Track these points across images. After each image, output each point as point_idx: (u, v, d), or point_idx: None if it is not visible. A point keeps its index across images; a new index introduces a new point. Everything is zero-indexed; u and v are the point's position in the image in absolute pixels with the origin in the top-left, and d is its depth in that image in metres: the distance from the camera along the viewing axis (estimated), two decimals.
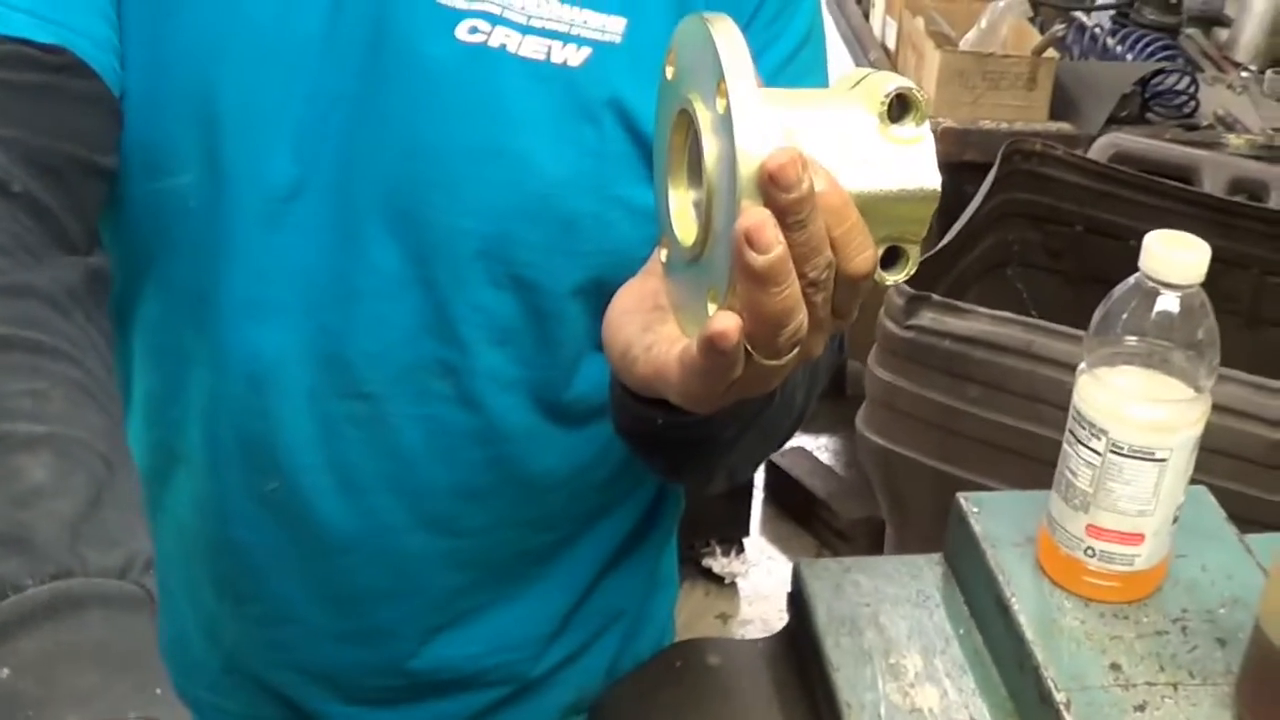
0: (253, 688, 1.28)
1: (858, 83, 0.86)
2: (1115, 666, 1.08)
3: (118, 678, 0.72)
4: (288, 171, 1.07)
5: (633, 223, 1.10)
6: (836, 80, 0.89)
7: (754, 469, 1.43)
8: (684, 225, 0.91)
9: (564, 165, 1.08)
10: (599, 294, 1.09)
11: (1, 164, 0.93)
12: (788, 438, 1.23)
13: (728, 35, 0.82)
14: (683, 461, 1.16)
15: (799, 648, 1.24)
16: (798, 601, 1.24)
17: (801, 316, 0.81)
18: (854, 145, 0.82)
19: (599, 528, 1.30)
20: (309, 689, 1.27)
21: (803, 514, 3.78)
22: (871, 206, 0.82)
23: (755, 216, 0.77)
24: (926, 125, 0.83)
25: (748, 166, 0.78)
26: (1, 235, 0.89)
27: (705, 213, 0.84)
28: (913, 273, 0.87)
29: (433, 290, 1.10)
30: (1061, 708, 1.04)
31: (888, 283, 0.87)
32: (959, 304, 2.04)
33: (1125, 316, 1.09)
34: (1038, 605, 1.13)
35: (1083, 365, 1.11)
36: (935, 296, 2.04)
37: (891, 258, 0.86)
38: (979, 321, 2.03)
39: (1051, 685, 1.06)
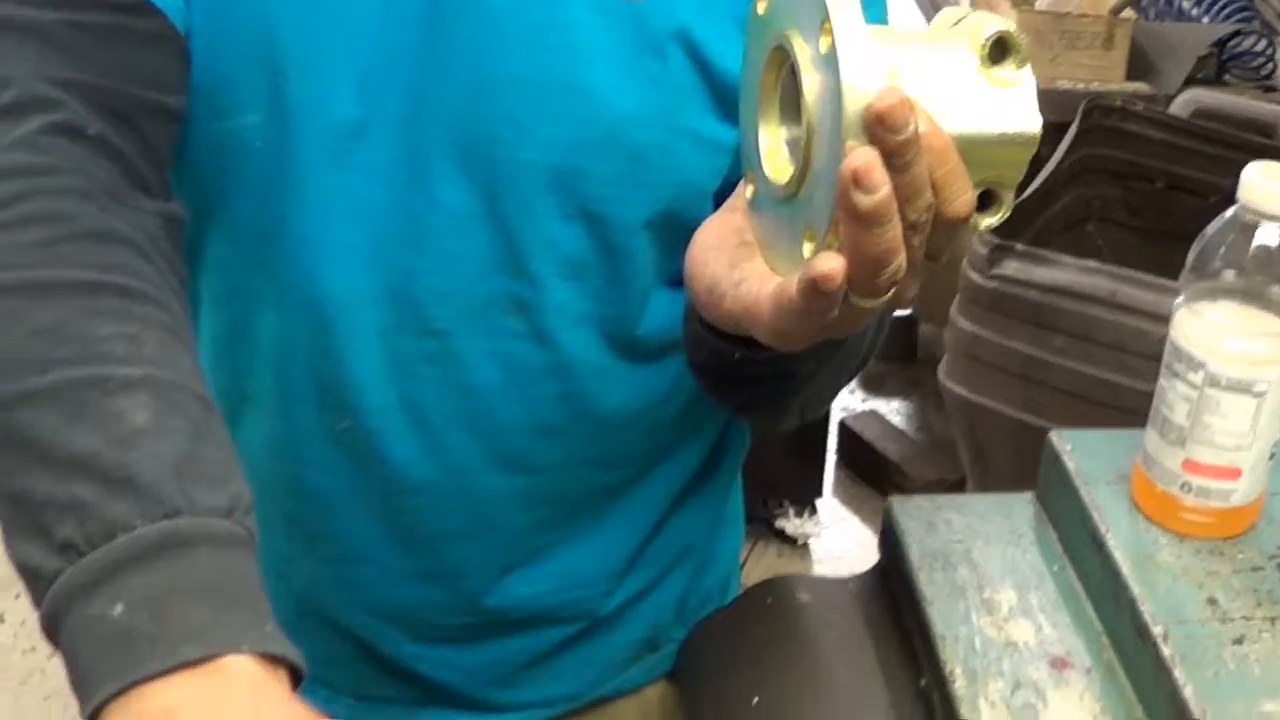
0: (325, 629, 1.29)
1: (957, 23, 0.85)
2: (1212, 601, 1.08)
3: (229, 613, 0.75)
4: (352, 110, 1.07)
5: (700, 154, 1.10)
6: (935, 20, 0.87)
7: (825, 406, 1.43)
8: (776, 163, 0.91)
9: (630, 98, 1.08)
10: (668, 227, 1.10)
11: (76, 108, 0.94)
12: (856, 374, 1.22)
13: None
14: (757, 397, 1.16)
15: (890, 585, 1.24)
16: (890, 538, 1.24)
17: (901, 258, 0.80)
18: (955, 86, 0.82)
19: (668, 464, 1.30)
20: (381, 629, 1.28)
21: (874, 476, 3.78)
22: (971, 149, 0.82)
23: (864, 157, 0.76)
24: (1028, 69, 0.82)
25: (854, 105, 0.77)
26: (80, 179, 0.90)
27: (804, 151, 0.83)
28: (1007, 216, 0.87)
29: (502, 225, 1.10)
30: (1159, 640, 1.04)
31: (982, 225, 0.87)
32: (1044, 253, 2.03)
33: (1222, 250, 1.08)
34: (1133, 541, 1.13)
35: (1179, 300, 1.11)
36: (1019, 246, 2.03)
37: (986, 201, 0.85)
38: (1064, 271, 2.02)
39: (1148, 619, 1.05)
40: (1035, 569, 1.20)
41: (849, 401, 4.12)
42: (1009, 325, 2.06)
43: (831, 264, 0.79)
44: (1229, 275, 1.08)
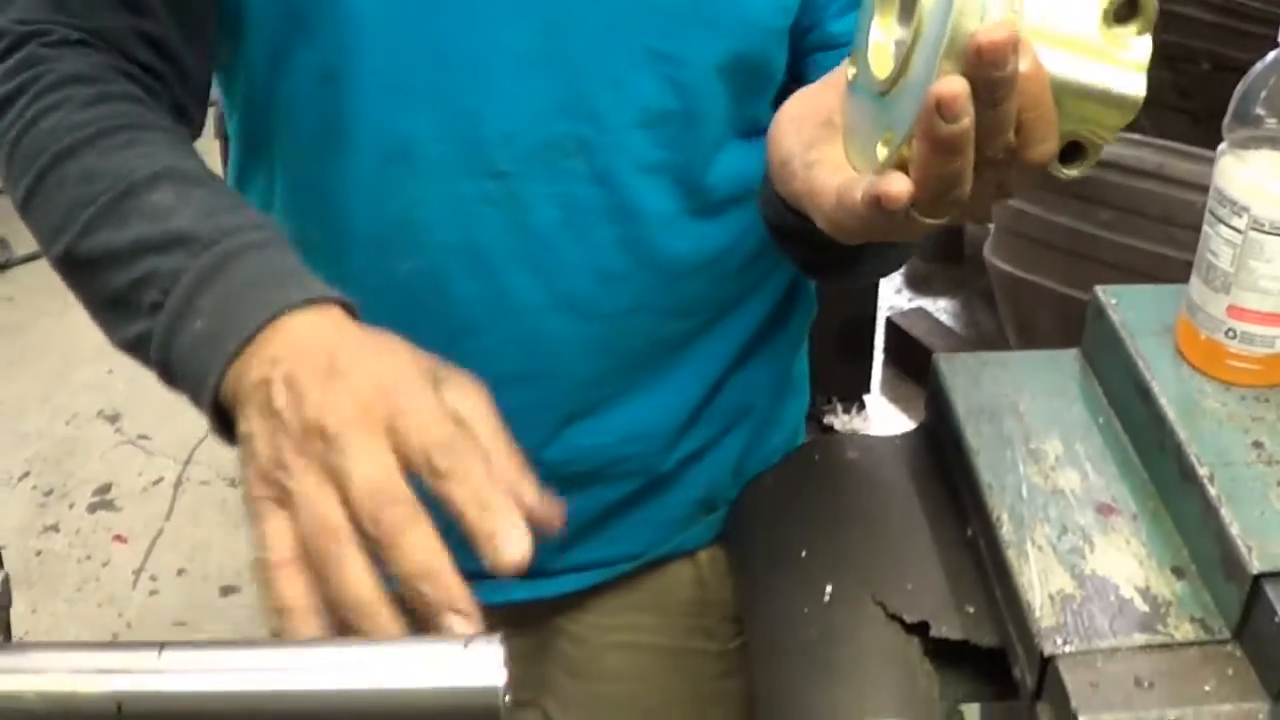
0: None
1: None
2: (1258, 445, 1.08)
3: (289, 285, 0.90)
4: None
5: None
6: None
7: (889, 273, 1.43)
8: (880, 58, 0.88)
9: None
10: (740, 71, 1.10)
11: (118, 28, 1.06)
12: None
13: None
14: (822, 262, 1.17)
15: (937, 440, 1.26)
16: (936, 394, 1.26)
17: (968, 185, 0.80)
18: (1072, 31, 0.80)
19: (732, 318, 1.31)
20: None
21: (922, 373, 3.77)
22: (1069, 99, 0.81)
23: (952, 86, 0.75)
24: (1148, 37, 0.80)
25: (963, 28, 0.75)
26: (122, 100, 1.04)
27: (905, 56, 0.82)
28: (1088, 171, 0.86)
29: (566, 66, 1.10)
30: (1205, 482, 1.04)
31: (1062, 175, 0.86)
32: None
33: (1264, 94, 1.08)
34: (1178, 389, 1.13)
35: (1223, 146, 1.11)
36: None
37: (1072, 152, 0.84)
38: (1110, 144, 2.00)
39: (1194, 461, 1.06)
40: (1081, 421, 1.21)
41: (896, 300, 4.12)
42: (1055, 200, 2.05)
43: (899, 186, 0.78)
44: (1271, 123, 1.08)
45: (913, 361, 3.80)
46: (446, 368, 0.91)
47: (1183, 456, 1.08)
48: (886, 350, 3.88)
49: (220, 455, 3.50)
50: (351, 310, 0.91)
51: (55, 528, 3.35)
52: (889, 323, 3.91)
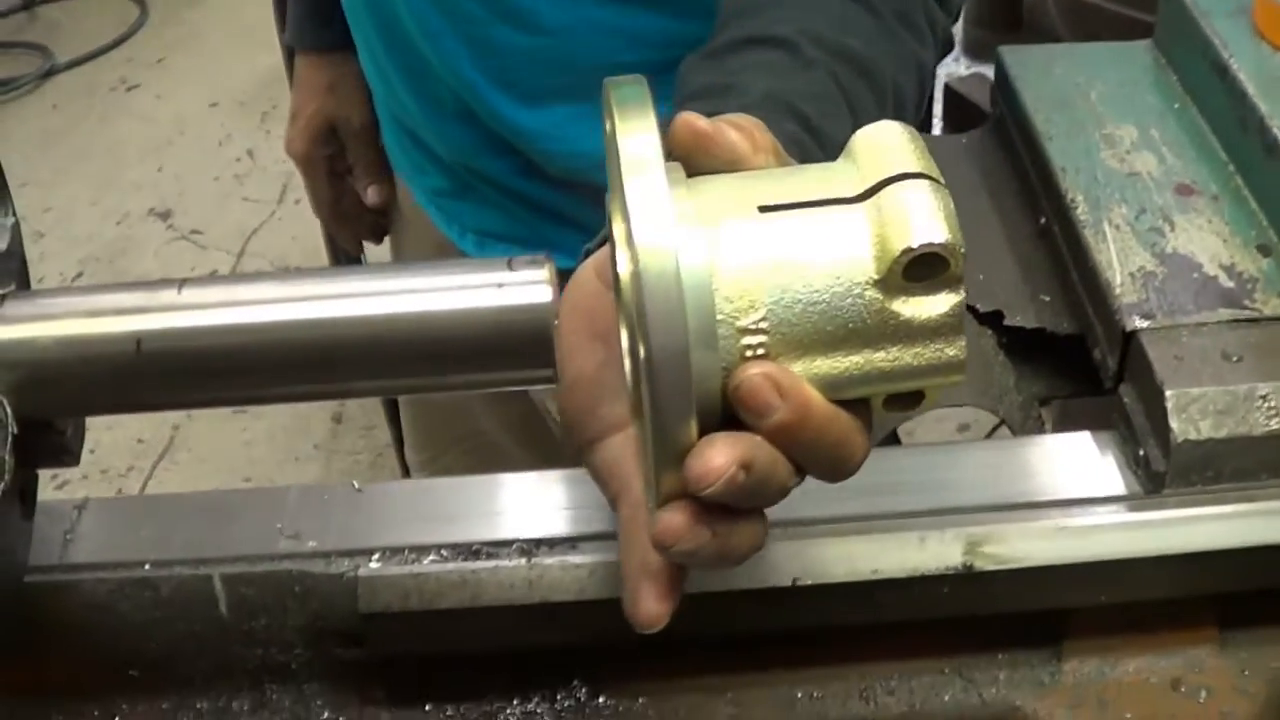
0: (435, 163, 1.34)
1: (866, 193, 0.61)
2: None
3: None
4: None
5: None
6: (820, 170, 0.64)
7: None
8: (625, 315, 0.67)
9: None
10: None
11: None
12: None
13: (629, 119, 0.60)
14: None
15: (1005, 135, 1.20)
16: (1004, 85, 1.20)
17: (761, 535, 0.66)
18: (847, 315, 0.60)
19: None
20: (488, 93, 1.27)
21: None
22: (867, 390, 0.63)
23: (671, 525, 0.61)
24: (961, 291, 0.61)
25: (671, 433, 0.59)
26: None
27: (634, 379, 0.65)
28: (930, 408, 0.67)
29: None
30: None
31: (898, 418, 0.71)
32: None
33: None
34: (1257, 65, 1.08)
35: None
36: None
37: (906, 398, 0.65)
38: None
39: (1279, 135, 1.01)
40: (1155, 107, 1.15)
41: (954, 68, 4.03)
42: None
43: (667, 525, 0.62)
44: None
45: (972, 126, 3.71)
46: None
47: (1266, 131, 1.02)
48: (945, 116, 3.79)
49: (274, 245, 3.48)
50: None
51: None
52: (947, 89, 3.81)
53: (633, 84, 0.61)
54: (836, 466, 0.65)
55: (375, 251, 1.68)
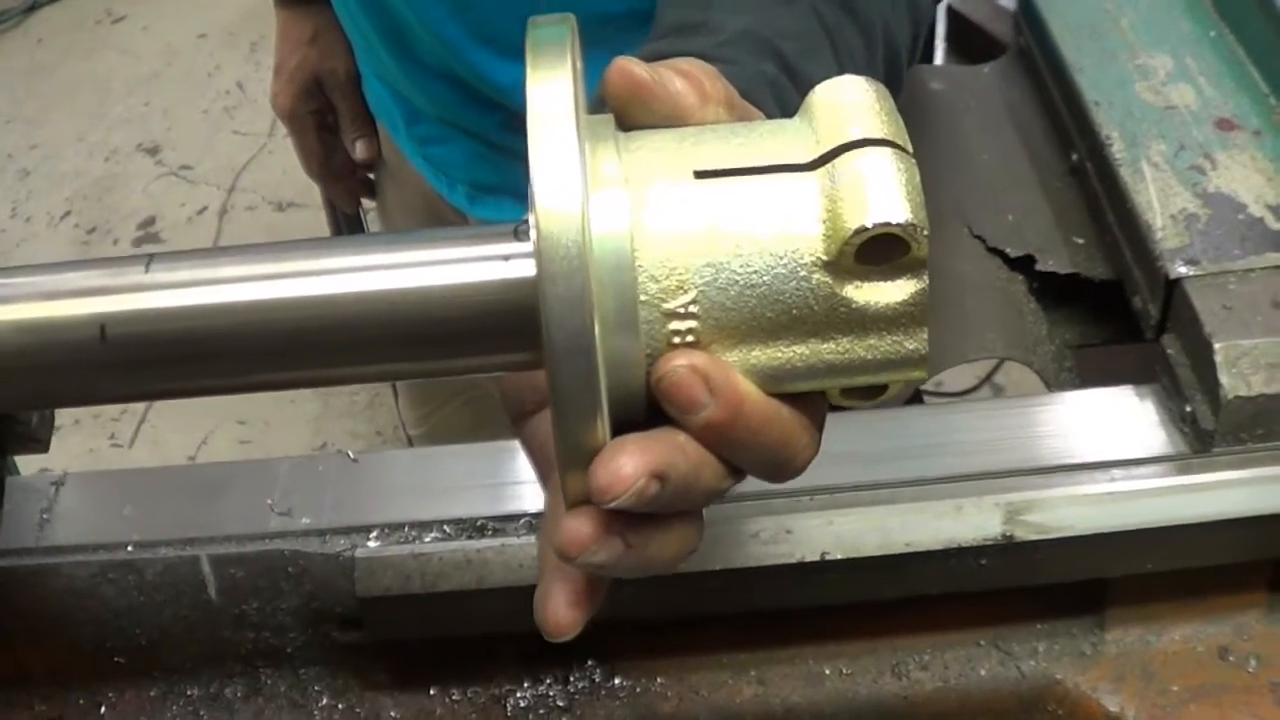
0: (442, 127, 1.27)
1: (820, 160, 0.53)
2: None
3: None
4: None
5: None
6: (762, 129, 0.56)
7: None
8: None
9: None
10: None
11: None
12: None
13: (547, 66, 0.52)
14: None
15: (1031, 65, 1.14)
16: (1028, 13, 1.14)
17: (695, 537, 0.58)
18: (790, 300, 0.52)
19: None
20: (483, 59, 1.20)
21: (985, 59, 3.63)
22: (813, 385, 0.55)
23: (576, 534, 0.53)
24: (924, 277, 0.52)
25: (574, 438, 0.51)
26: None
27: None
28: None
29: None
30: None
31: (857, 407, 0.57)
32: None
33: None
34: None
35: None
36: None
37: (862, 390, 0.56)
38: None
39: None
40: (1190, 35, 1.08)
41: None
42: None
43: (572, 534, 0.53)
44: None
45: (976, 47, 3.64)
46: None
47: None
48: (948, 38, 3.72)
49: (265, 179, 3.41)
50: None
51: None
52: (950, 12, 3.74)
53: (554, 24, 0.54)
54: (776, 468, 0.57)
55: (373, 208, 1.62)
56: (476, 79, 1.18)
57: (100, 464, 2.79)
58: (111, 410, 2.88)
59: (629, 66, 0.56)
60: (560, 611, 0.56)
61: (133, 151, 3.63)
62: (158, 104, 3.72)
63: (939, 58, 3.59)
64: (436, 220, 1.38)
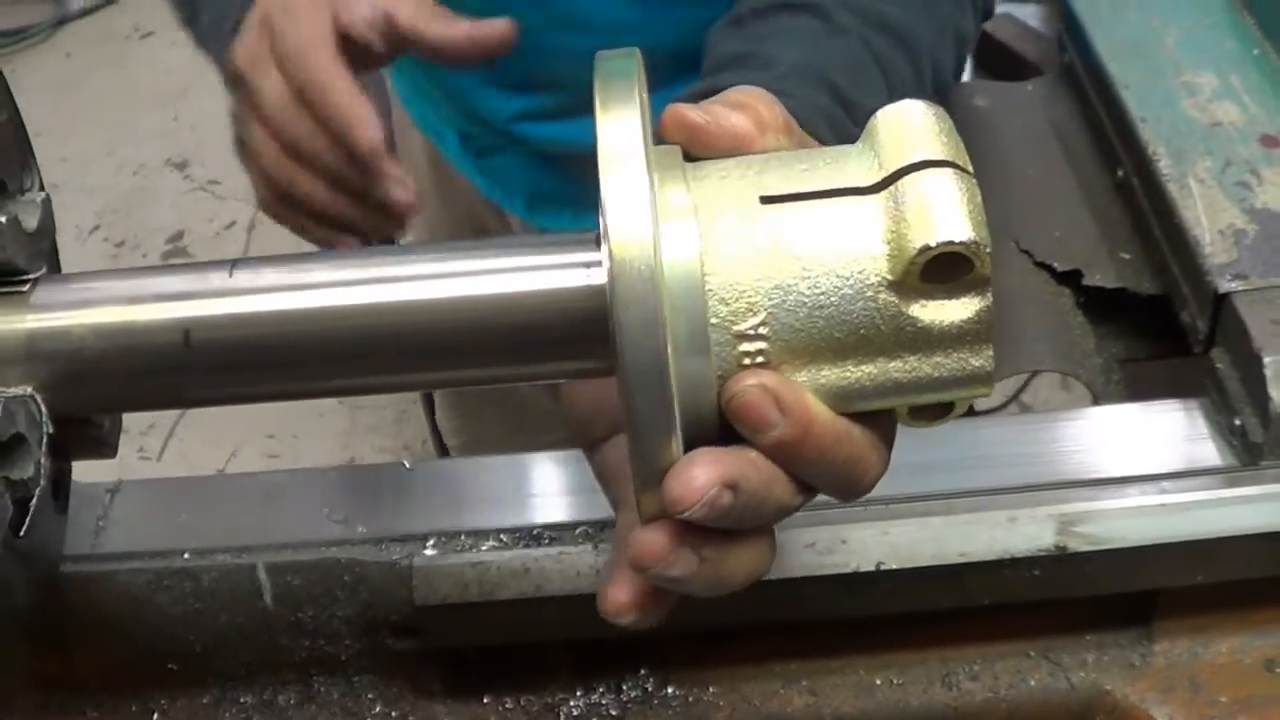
0: (493, 136, 1.27)
1: (883, 182, 0.53)
2: None
3: None
4: None
5: None
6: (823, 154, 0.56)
7: None
8: None
9: None
10: None
11: None
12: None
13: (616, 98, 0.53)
14: None
15: (1075, 82, 1.15)
16: (1073, 31, 1.14)
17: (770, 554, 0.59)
18: (857, 320, 0.53)
19: None
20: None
21: (1012, 77, 3.64)
22: (881, 403, 0.56)
23: (650, 547, 0.54)
24: (987, 295, 0.52)
25: (651, 455, 0.52)
26: None
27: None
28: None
29: None
30: None
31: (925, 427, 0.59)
32: None
33: None
34: None
35: None
36: None
37: (930, 409, 0.57)
38: None
39: None
40: (1234, 54, 1.09)
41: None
42: None
43: (646, 547, 0.54)
44: None
45: (1003, 65, 3.65)
46: None
47: None
48: (976, 56, 3.73)
49: None
50: None
51: None
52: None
53: (621, 59, 0.55)
54: (847, 486, 0.57)
55: None
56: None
57: (130, 477, 2.79)
58: (140, 424, 2.89)
59: (683, 113, 0.57)
60: (621, 595, 0.57)
61: (161, 166, 3.64)
62: (186, 119, 3.74)
63: (966, 75, 3.60)
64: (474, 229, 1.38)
